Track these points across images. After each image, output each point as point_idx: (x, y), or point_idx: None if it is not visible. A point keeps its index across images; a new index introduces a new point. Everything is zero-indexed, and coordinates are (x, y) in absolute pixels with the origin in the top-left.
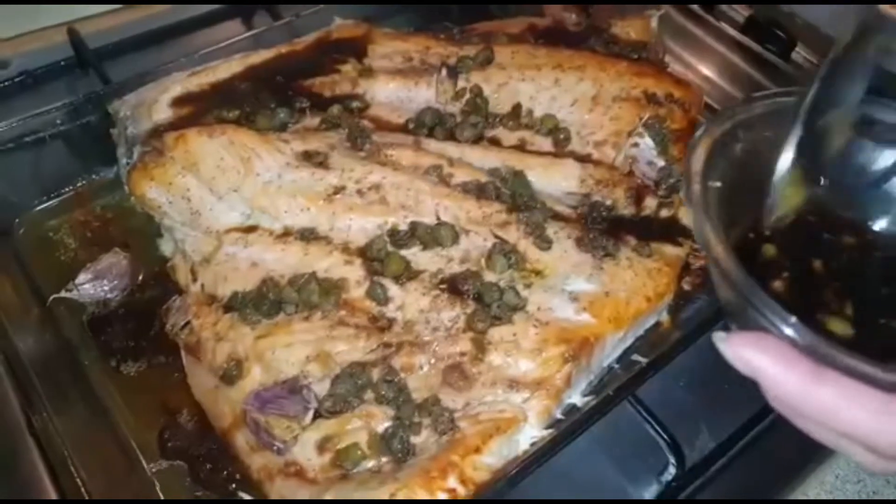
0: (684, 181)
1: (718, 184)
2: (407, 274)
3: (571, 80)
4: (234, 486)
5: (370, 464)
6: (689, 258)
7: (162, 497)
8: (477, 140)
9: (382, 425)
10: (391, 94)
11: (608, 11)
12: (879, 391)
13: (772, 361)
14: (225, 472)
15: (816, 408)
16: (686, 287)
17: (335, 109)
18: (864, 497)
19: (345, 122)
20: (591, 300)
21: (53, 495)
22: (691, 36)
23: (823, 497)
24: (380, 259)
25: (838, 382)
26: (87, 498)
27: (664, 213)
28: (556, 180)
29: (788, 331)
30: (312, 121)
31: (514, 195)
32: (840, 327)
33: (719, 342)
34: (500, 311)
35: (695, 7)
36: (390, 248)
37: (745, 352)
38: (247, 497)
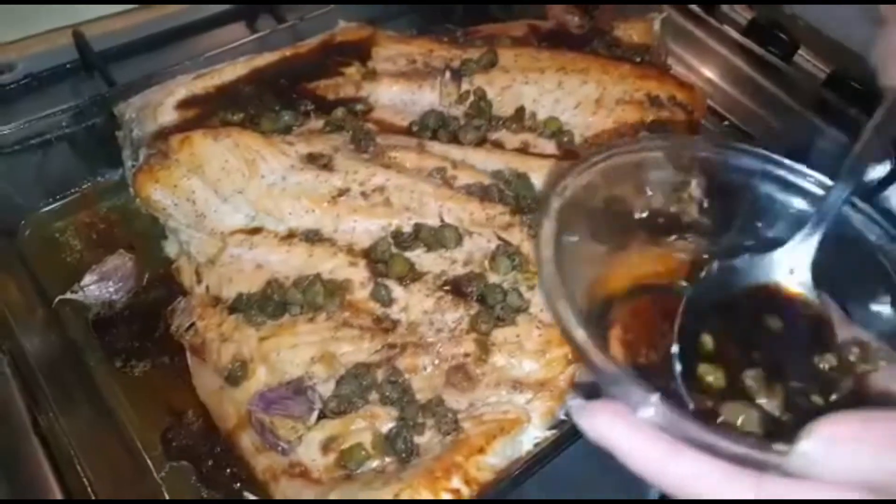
0: (536, 238)
1: (575, 238)
2: (411, 275)
3: (575, 83)
4: (238, 486)
5: (374, 464)
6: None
7: (168, 497)
8: (480, 142)
9: (386, 426)
10: (395, 97)
11: (610, 14)
12: (746, 473)
13: (627, 437)
14: (230, 473)
15: (672, 483)
16: None
17: (339, 112)
18: None
19: (349, 125)
20: None
21: (59, 495)
22: (693, 39)
23: None
24: (384, 261)
25: (697, 458)
26: (93, 498)
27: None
28: None
29: (648, 412)
30: (316, 123)
31: (518, 197)
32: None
33: (575, 412)
34: (504, 312)
35: (697, 10)
36: (394, 249)
37: (600, 424)
38: (252, 497)
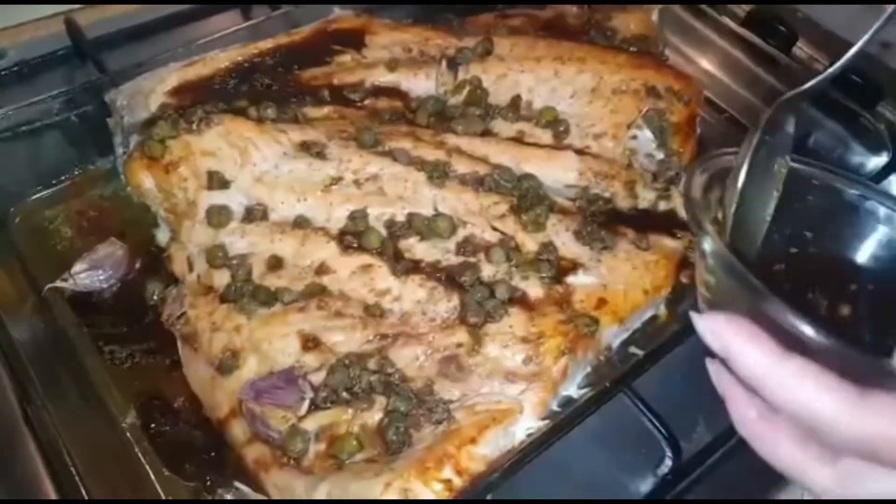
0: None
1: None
2: (403, 265)
3: (571, 72)
4: (229, 476)
5: (365, 454)
6: (686, 251)
7: (160, 491)
8: (476, 132)
9: (378, 416)
10: (390, 85)
11: (609, 5)
12: (851, 384)
13: (741, 337)
14: (220, 463)
15: (778, 383)
16: (684, 280)
17: (333, 100)
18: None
19: (343, 113)
20: (588, 293)
21: (49, 486)
22: (692, 29)
23: None
24: (375, 249)
25: (805, 363)
26: (82, 489)
27: (662, 205)
28: (554, 172)
29: (772, 308)
30: (310, 111)
31: (513, 187)
32: None
33: (695, 317)
34: (495, 307)
35: None
36: (385, 236)
37: (717, 326)
38: (242, 487)
